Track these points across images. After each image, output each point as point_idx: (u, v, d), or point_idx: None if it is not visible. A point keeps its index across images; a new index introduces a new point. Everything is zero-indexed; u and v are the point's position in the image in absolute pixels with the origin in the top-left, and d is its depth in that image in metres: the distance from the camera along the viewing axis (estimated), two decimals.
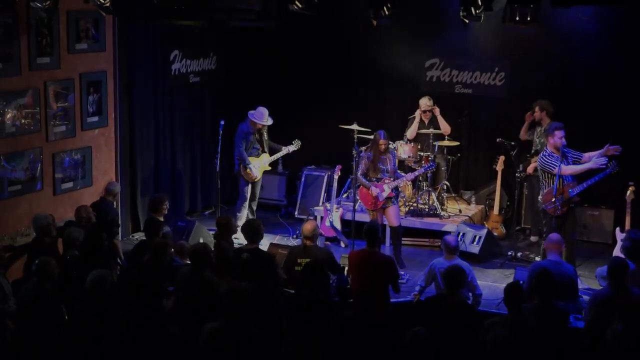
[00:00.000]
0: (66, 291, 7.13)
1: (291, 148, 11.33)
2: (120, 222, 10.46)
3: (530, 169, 10.87)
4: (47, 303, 6.79)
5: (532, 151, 11.04)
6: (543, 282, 6.97)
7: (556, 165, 9.27)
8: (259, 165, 11.06)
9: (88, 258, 7.56)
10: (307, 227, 8.43)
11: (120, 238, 10.32)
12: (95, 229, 8.15)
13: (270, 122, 11.06)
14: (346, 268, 8.91)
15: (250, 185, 11.05)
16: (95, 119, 10.50)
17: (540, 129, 10.97)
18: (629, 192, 9.96)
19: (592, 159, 9.28)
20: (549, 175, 9.44)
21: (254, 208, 11.23)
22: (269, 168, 11.37)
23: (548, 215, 9.49)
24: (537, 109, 10.96)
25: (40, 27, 9.53)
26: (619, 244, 9.36)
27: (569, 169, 9.36)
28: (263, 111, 10.99)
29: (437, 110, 11.50)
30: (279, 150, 11.32)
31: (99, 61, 10.47)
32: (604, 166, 9.24)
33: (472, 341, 6.21)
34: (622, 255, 8.23)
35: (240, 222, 10.59)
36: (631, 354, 5.83)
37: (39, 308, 6.76)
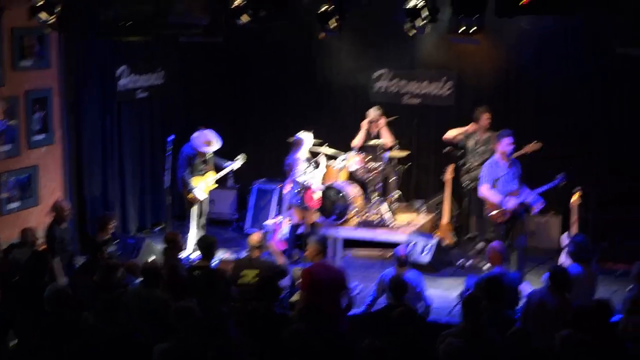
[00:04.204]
0: (14, 316, 6.99)
1: (236, 164, 11.27)
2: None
3: None
4: None
5: (468, 164, 11.22)
6: (494, 289, 7.07)
7: (490, 177, 9.48)
8: (204, 185, 10.96)
9: (33, 281, 7.41)
10: (254, 237, 8.45)
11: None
12: (39, 251, 7.99)
13: (216, 147, 10.97)
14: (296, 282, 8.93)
15: (197, 204, 10.98)
16: (42, 136, 10.36)
17: (484, 137, 11.11)
18: (575, 198, 10.13)
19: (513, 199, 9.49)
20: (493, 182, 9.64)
21: (204, 224, 11.15)
22: (215, 186, 11.29)
23: (494, 222, 9.64)
24: (488, 115, 11.07)
25: None
26: (565, 249, 9.52)
27: (484, 191, 9.64)
28: (208, 135, 10.90)
29: (382, 122, 11.58)
30: (224, 167, 11.26)
31: (44, 78, 10.35)
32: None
33: (422, 350, 6.24)
34: (569, 260, 8.35)
35: (192, 241, 10.54)
36: (578, 357, 5.91)
37: None
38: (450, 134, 11.29)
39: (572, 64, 11.46)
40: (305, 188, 10.68)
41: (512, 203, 9.49)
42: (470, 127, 11.18)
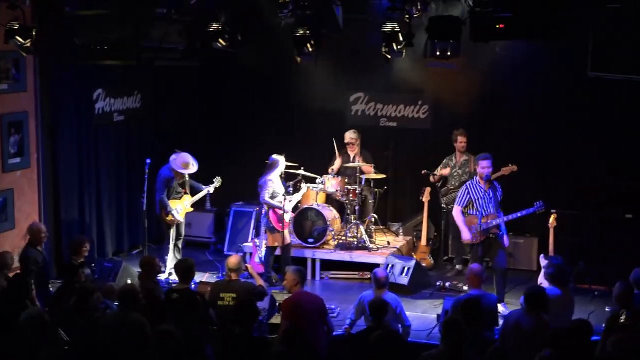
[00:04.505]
0: None
1: (212, 188, 11.24)
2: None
3: None
4: None
5: (447, 185, 11.36)
6: (472, 311, 7.09)
7: (463, 199, 9.54)
8: (181, 208, 10.94)
9: (14, 307, 7.33)
10: (232, 260, 8.42)
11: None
12: (20, 277, 7.91)
13: (193, 170, 10.97)
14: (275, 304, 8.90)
15: (174, 226, 10.94)
16: (17, 160, 10.29)
17: (461, 160, 11.23)
18: (551, 220, 10.20)
19: (474, 229, 9.55)
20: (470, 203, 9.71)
21: (181, 247, 11.10)
22: (192, 210, 11.27)
23: (470, 244, 9.70)
24: (464, 138, 11.21)
25: None
26: (544, 270, 9.58)
27: (456, 215, 9.76)
28: (186, 158, 10.91)
29: (358, 145, 11.65)
30: (201, 191, 11.24)
31: (20, 102, 10.30)
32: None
33: None
34: (546, 282, 8.40)
35: (170, 263, 10.49)
36: None
37: None
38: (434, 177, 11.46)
39: (547, 86, 11.60)
40: (272, 210, 10.63)
41: (467, 235, 9.56)
42: (444, 172, 11.37)
